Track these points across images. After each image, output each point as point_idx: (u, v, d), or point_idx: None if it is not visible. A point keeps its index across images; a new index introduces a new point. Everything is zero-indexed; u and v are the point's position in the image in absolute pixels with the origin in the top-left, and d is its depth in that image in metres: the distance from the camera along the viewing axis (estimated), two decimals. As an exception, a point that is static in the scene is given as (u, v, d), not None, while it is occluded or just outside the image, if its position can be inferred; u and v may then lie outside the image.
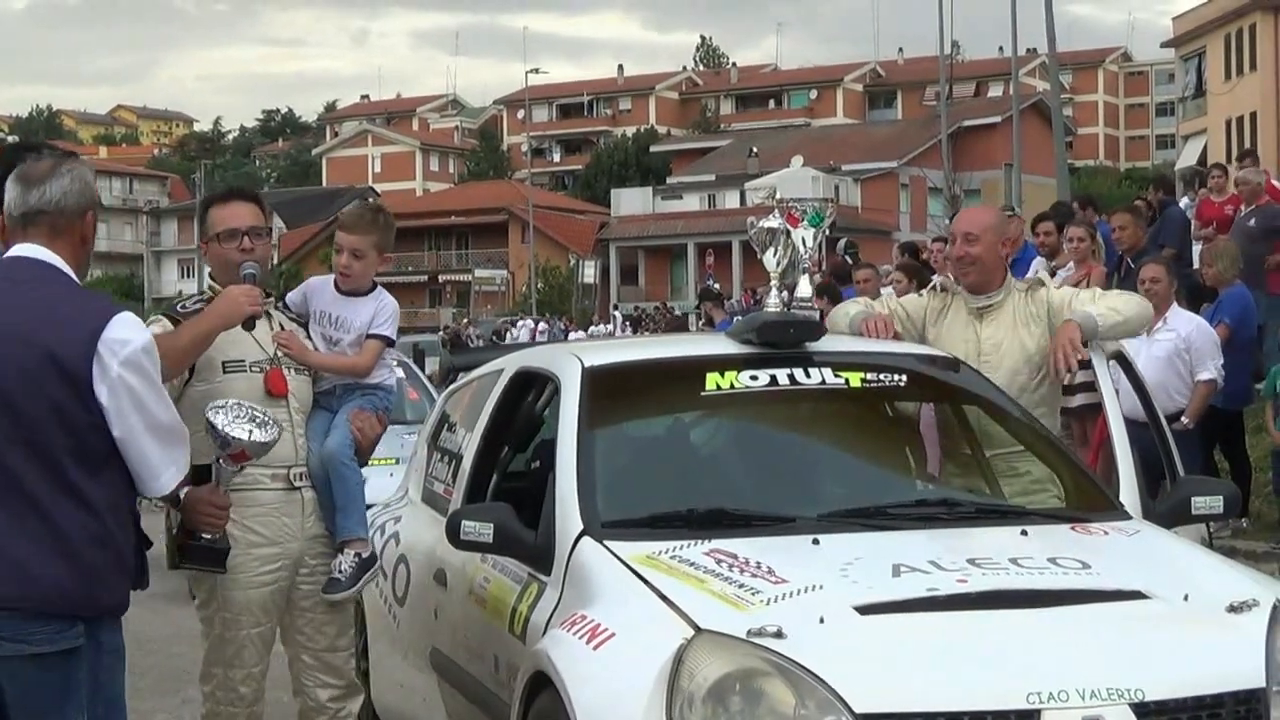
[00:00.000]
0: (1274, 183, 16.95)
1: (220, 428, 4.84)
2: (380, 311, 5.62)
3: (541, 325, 47.20)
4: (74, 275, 3.87)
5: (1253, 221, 13.95)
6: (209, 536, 4.98)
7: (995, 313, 6.27)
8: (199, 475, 5.06)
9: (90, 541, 3.68)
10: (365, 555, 5.48)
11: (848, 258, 15.77)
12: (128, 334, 3.75)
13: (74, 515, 3.68)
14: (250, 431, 4.84)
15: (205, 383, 5.27)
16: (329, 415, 5.54)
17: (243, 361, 5.36)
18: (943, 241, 15.84)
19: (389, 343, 5.65)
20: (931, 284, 6.76)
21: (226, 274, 5.44)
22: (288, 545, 5.41)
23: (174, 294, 72.75)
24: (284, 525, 5.39)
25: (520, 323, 47.46)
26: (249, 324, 5.32)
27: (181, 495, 5.01)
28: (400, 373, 5.80)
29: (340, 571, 5.43)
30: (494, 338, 44.62)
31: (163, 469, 3.82)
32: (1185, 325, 9.93)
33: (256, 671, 5.49)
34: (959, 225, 6.51)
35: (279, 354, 5.45)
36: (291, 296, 5.76)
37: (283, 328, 5.54)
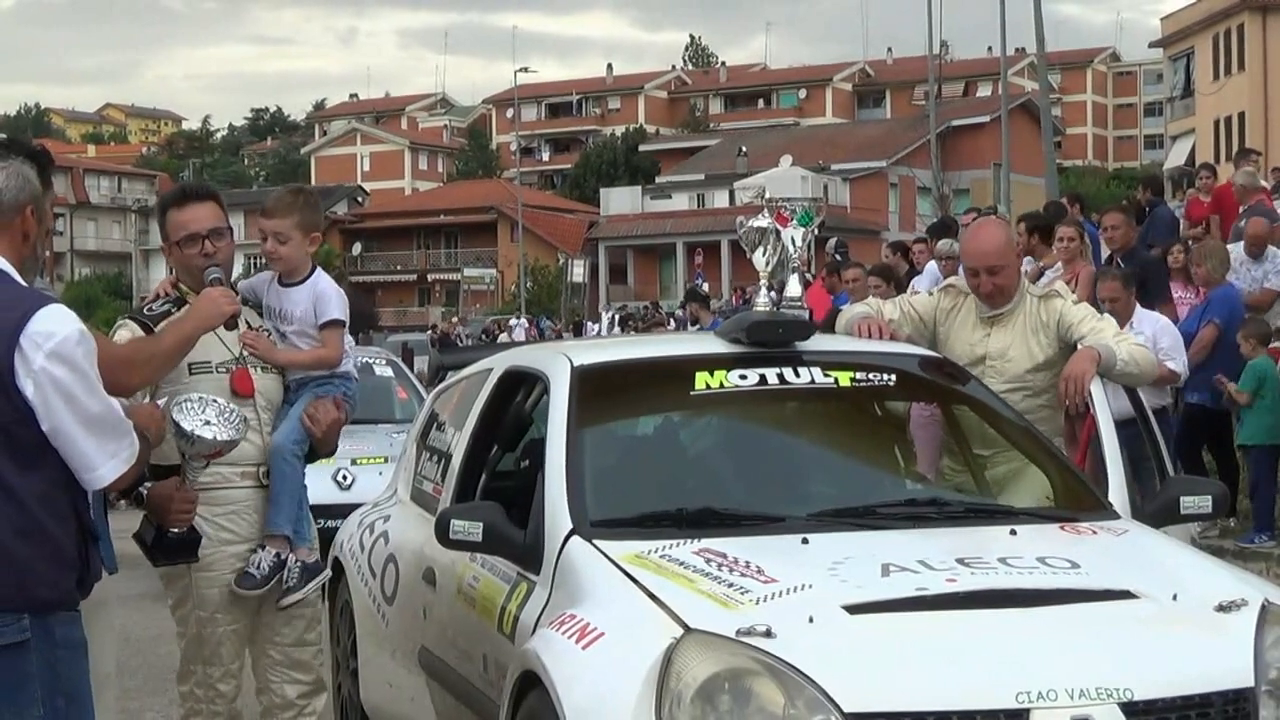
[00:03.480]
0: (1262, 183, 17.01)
1: (186, 428, 4.85)
2: (321, 298, 5.58)
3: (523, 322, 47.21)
4: (14, 272, 3.82)
5: (1244, 222, 13.99)
6: (178, 531, 5.02)
7: (1006, 319, 6.26)
8: (167, 474, 5.08)
9: (15, 534, 3.64)
10: (281, 555, 5.46)
11: (838, 256, 15.74)
12: (53, 326, 3.67)
13: None
14: (215, 430, 4.86)
15: (171, 385, 5.26)
16: (288, 408, 5.56)
17: (208, 363, 5.37)
18: (923, 242, 15.88)
19: (343, 325, 5.61)
20: (945, 283, 6.73)
21: (193, 278, 5.46)
22: (257, 543, 5.43)
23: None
24: (255, 522, 5.43)
25: (515, 322, 47.39)
26: (231, 324, 5.34)
27: (145, 492, 5.03)
28: (357, 359, 5.75)
29: (256, 568, 5.41)
30: (483, 336, 44.57)
31: (99, 461, 3.75)
32: (1151, 325, 9.96)
33: (234, 668, 5.54)
34: (979, 259, 6.21)
35: (245, 354, 5.45)
36: (241, 286, 5.73)
37: (250, 325, 5.56)
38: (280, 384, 5.56)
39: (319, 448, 5.58)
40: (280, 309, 5.61)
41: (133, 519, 5.41)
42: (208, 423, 4.89)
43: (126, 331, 5.36)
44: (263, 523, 5.45)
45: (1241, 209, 14.55)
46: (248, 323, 5.56)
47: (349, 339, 5.71)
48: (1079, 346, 6.01)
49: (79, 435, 3.70)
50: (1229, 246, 12.46)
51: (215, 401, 4.98)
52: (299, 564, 5.51)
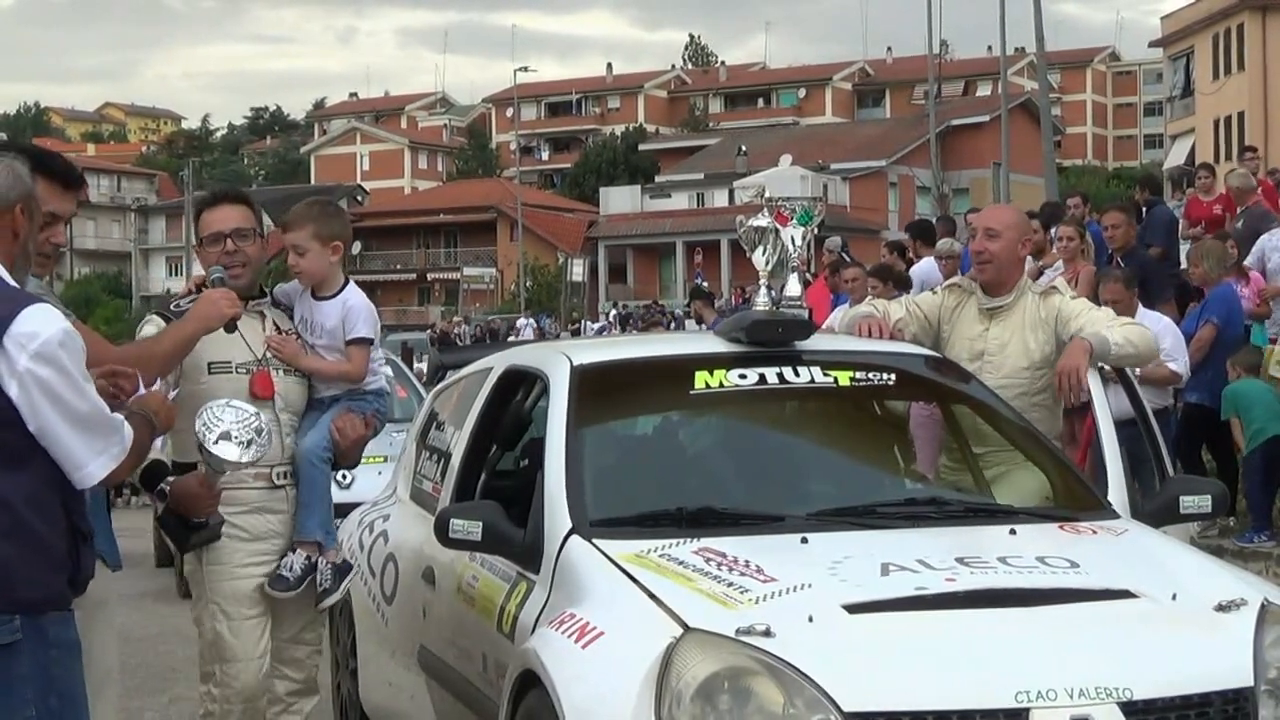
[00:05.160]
0: (1265, 179, 17.02)
1: (206, 446, 4.84)
2: (350, 314, 5.60)
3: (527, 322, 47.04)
4: (3, 271, 3.80)
5: (1240, 224, 14.00)
6: (201, 520, 5.06)
7: (1005, 313, 6.28)
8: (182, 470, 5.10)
9: (1, 535, 3.61)
10: (312, 558, 5.48)
11: (845, 255, 15.65)
12: (36, 327, 3.65)
13: None
14: (236, 451, 4.84)
15: (192, 383, 5.29)
16: (318, 417, 5.57)
17: (229, 363, 5.38)
18: (914, 241, 15.86)
19: (370, 343, 5.65)
20: (950, 282, 6.78)
21: None
22: (271, 541, 5.46)
23: (162, 291, 72.63)
24: (267, 522, 5.43)
25: (523, 323, 47.25)
26: (230, 326, 5.34)
27: (167, 489, 5.04)
28: (387, 371, 5.80)
29: (289, 570, 5.44)
30: (479, 334, 44.37)
31: (87, 460, 3.73)
32: (1152, 326, 9.95)
33: (253, 665, 5.45)
34: (981, 220, 6.53)
35: (269, 355, 5.46)
36: (276, 291, 5.78)
37: (278, 328, 5.57)
38: (304, 389, 5.58)
39: (340, 459, 5.61)
40: (311, 321, 5.63)
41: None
42: (226, 434, 4.85)
43: (152, 328, 5.41)
44: (278, 522, 5.46)
45: (1239, 210, 14.56)
46: (276, 325, 5.58)
47: (379, 353, 5.73)
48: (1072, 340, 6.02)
49: (65, 434, 3.69)
50: (1264, 236, 12.47)
51: (233, 406, 4.93)
52: (329, 565, 5.52)
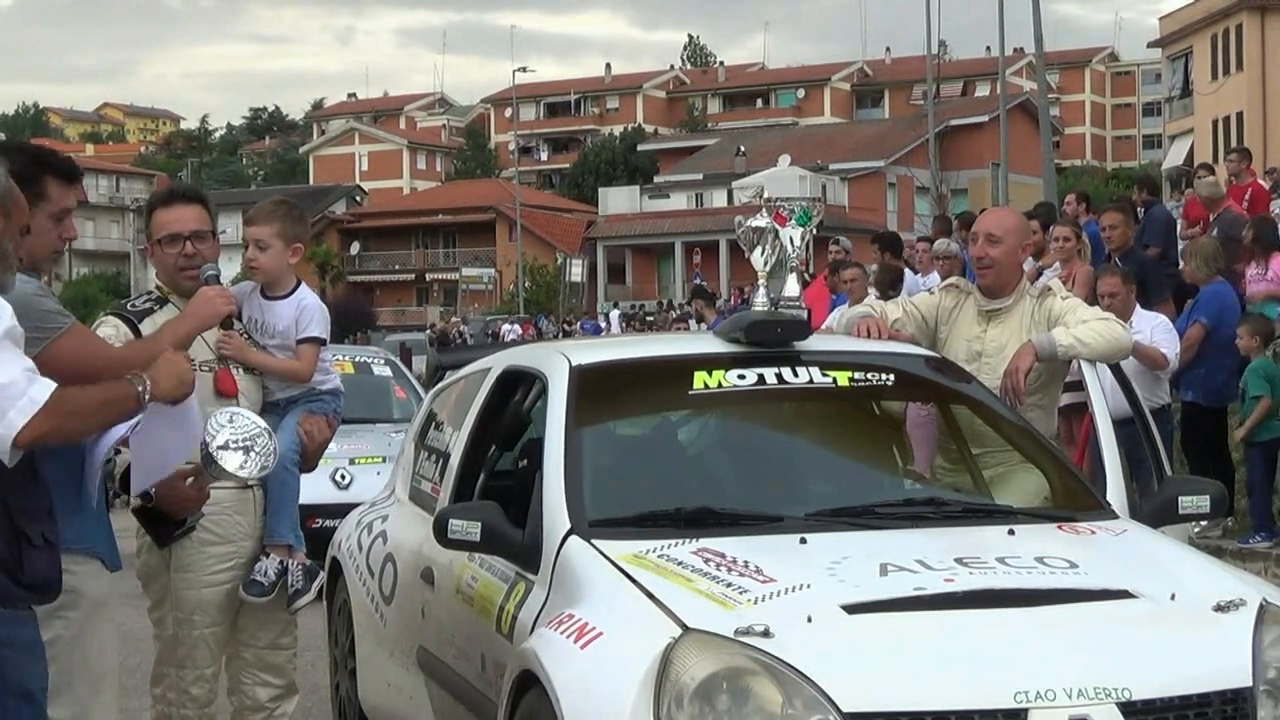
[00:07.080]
0: (1259, 182, 17.06)
1: (211, 450, 4.78)
2: (303, 314, 5.59)
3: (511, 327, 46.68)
4: None
5: (1215, 231, 14.05)
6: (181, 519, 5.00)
7: (1003, 315, 6.29)
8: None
9: None
10: (285, 562, 5.47)
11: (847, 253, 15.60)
12: None
13: None
14: (238, 461, 4.74)
15: None
16: (279, 419, 5.54)
17: (192, 361, 5.32)
18: (928, 241, 15.86)
19: (321, 343, 5.64)
20: (947, 282, 6.78)
21: (170, 277, 5.46)
22: (240, 544, 5.45)
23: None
24: (236, 523, 5.42)
25: (507, 327, 46.97)
26: (227, 323, 5.32)
27: (152, 492, 4.93)
28: (337, 379, 5.76)
29: (264, 575, 5.43)
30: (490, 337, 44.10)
31: None
32: (1148, 324, 10.08)
33: (209, 673, 5.52)
34: (982, 225, 6.50)
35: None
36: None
37: (232, 326, 5.54)
38: (260, 386, 5.55)
39: (303, 462, 5.62)
40: (262, 321, 5.60)
41: (132, 518, 5.39)
42: (226, 444, 4.77)
43: (109, 328, 5.33)
44: (247, 524, 5.45)
45: (1212, 217, 14.62)
46: (232, 322, 5.56)
47: (325, 356, 5.70)
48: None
49: None
50: None
51: (237, 414, 4.81)
52: (300, 567, 5.53)
